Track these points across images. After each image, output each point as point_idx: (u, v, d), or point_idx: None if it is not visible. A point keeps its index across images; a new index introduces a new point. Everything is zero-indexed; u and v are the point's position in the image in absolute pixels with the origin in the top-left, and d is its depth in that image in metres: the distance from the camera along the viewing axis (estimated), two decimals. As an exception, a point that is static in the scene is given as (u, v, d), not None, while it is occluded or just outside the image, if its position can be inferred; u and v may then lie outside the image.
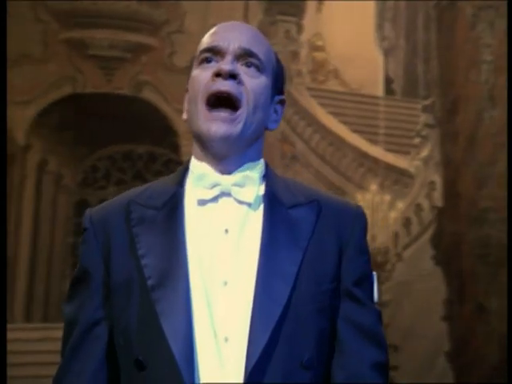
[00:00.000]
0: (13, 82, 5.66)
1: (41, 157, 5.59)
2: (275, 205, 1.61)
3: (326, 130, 5.99)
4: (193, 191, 1.59)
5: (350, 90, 5.96)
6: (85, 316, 1.57)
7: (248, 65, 1.61)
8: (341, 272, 1.61)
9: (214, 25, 1.60)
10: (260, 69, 1.61)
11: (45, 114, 5.69)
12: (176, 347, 1.48)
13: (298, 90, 6.04)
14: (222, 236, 1.57)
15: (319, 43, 6.17)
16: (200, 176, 1.58)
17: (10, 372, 4.17)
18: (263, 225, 1.58)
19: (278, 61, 1.69)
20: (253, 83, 1.60)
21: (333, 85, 6.09)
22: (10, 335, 4.18)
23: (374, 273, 1.70)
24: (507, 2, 5.76)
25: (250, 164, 1.61)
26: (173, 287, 1.51)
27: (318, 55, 6.15)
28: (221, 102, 1.57)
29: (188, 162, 1.64)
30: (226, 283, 1.55)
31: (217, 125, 1.57)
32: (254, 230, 1.58)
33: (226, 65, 1.58)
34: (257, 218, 1.60)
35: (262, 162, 1.66)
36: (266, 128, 1.66)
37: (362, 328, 1.61)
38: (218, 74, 1.57)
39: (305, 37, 6.15)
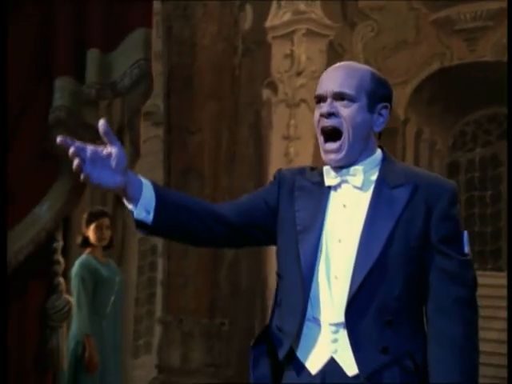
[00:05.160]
0: (391, 66, 6.52)
1: (417, 128, 6.35)
2: (382, 186, 2.24)
3: None
4: (326, 179, 2.31)
5: None
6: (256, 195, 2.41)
7: (342, 99, 2.25)
8: (430, 233, 2.19)
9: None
10: (351, 99, 2.24)
11: (418, 91, 6.42)
12: (305, 270, 2.23)
13: None
14: (341, 209, 2.27)
15: None
16: (327, 170, 2.31)
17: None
18: (370, 202, 2.23)
19: (373, 78, 2.27)
20: (347, 111, 2.24)
21: None
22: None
23: (465, 232, 2.24)
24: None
25: (362, 160, 2.27)
26: (311, 235, 2.25)
27: None
28: (329, 133, 2.26)
29: None
30: (340, 241, 2.23)
31: (329, 156, 2.27)
32: (363, 206, 2.23)
33: (325, 108, 2.26)
34: (367, 197, 2.25)
35: (376, 154, 2.30)
36: (374, 131, 2.28)
37: (447, 272, 2.19)
38: (322, 115, 2.27)
39: None
